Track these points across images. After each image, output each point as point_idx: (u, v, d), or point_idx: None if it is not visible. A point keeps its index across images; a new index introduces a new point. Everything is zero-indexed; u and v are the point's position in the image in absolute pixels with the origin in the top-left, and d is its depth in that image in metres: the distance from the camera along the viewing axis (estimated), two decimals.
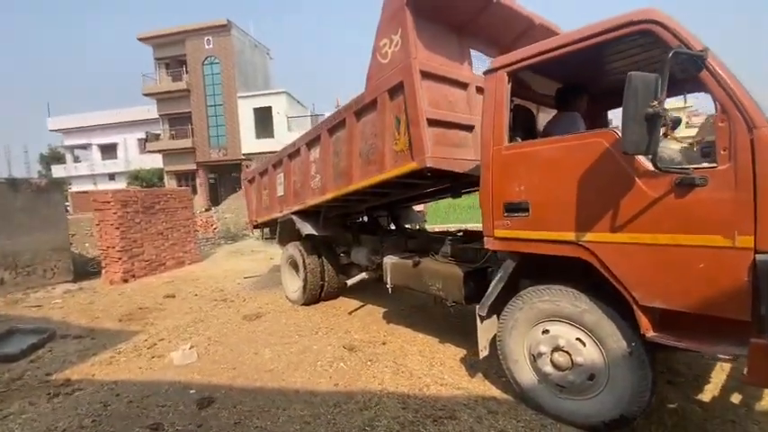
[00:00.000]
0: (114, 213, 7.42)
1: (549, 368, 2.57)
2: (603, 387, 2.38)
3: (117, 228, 7.46)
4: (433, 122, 3.18)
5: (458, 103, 3.49)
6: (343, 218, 5.92)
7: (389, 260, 4.15)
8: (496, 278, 2.86)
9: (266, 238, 6.99)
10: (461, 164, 3.37)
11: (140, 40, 25.40)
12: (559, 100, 3.15)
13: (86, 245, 10.04)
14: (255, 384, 3.32)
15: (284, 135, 23.66)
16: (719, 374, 3.15)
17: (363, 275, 4.89)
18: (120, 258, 7.49)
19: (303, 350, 3.96)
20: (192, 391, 3.25)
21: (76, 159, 33.40)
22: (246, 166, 7.69)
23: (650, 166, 2.01)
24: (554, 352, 2.54)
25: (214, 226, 15.44)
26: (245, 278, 7.52)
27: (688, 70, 1.94)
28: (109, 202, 7.43)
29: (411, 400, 2.94)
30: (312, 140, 4.86)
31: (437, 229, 6.62)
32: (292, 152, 5.39)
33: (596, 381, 2.40)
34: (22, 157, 65.92)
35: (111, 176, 30.85)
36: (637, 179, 2.07)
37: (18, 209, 7.08)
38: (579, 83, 3.16)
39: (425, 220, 7.17)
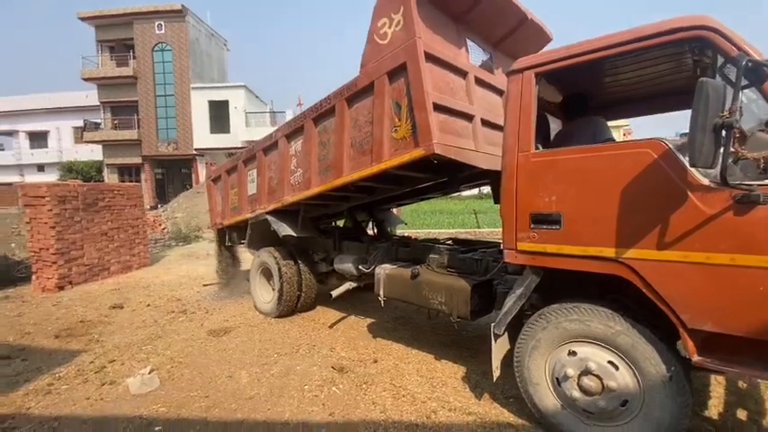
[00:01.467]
0: (50, 210, 6.42)
1: (576, 393, 2.39)
2: (637, 413, 2.23)
3: (52, 227, 6.46)
4: (437, 107, 2.97)
5: (458, 91, 3.32)
6: (321, 220, 5.52)
7: (383, 270, 3.83)
8: (516, 294, 2.65)
9: (228, 246, 6.36)
10: (466, 154, 3.17)
11: (82, 19, 23.00)
12: (576, 105, 3.02)
13: (12, 245, 8.70)
14: (236, 416, 2.86)
15: (242, 131, 22.58)
16: (717, 387, 3.17)
17: (348, 286, 4.52)
18: (55, 262, 6.49)
19: (286, 372, 3.52)
20: (157, 429, 2.72)
21: (0, 147, 29.58)
22: (211, 164, 7.02)
23: (704, 180, 1.89)
24: (582, 375, 2.37)
25: (163, 226, 14.16)
26: (204, 285, 6.82)
27: (749, 79, 1.83)
28: (43, 197, 6.41)
29: (420, 430, 2.64)
30: (293, 132, 4.46)
31: (407, 236, 6.36)
32: (268, 145, 4.92)
33: (629, 407, 2.25)
34: None
35: (41, 167, 27.63)
36: (689, 193, 1.94)
37: None
38: (587, 90, 3.07)
39: (405, 223, 6.91)
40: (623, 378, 2.25)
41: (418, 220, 15.29)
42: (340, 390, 3.18)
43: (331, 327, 4.68)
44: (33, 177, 25.20)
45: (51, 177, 25.30)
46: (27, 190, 6.62)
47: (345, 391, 3.15)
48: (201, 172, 23.22)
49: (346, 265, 4.53)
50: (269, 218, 4.80)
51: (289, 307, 4.89)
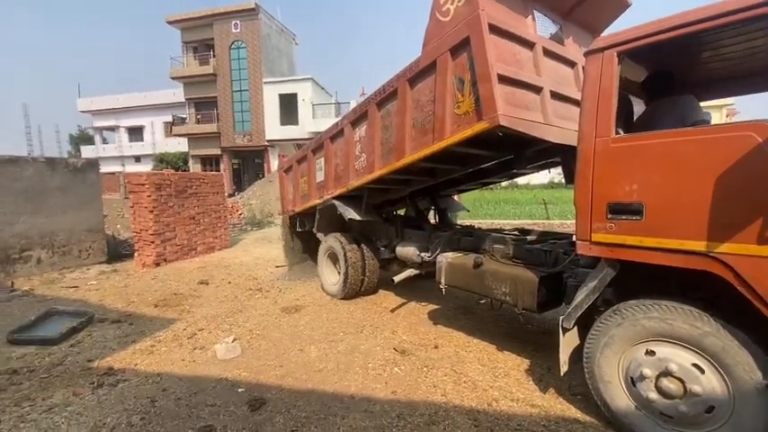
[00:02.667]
0: (148, 196, 7.34)
1: (653, 394, 2.25)
2: (725, 422, 2.05)
3: (151, 211, 7.38)
4: (502, 79, 2.91)
5: (525, 63, 3.21)
6: (384, 207, 5.67)
7: (445, 259, 3.86)
8: (588, 287, 2.53)
9: (298, 231, 6.75)
10: (534, 127, 3.05)
11: (169, 23, 25.45)
12: (661, 84, 2.75)
13: (118, 226, 10.10)
14: (307, 386, 3.11)
15: (309, 122, 23.55)
16: None
17: (410, 272, 4.62)
18: (153, 242, 7.42)
19: (351, 350, 3.73)
20: (240, 390, 3.06)
21: (104, 141, 34.07)
22: (283, 155, 7.44)
23: None
24: (661, 377, 2.22)
25: (239, 212, 15.41)
26: (277, 267, 7.35)
27: None
28: (143, 185, 7.34)
29: (481, 416, 2.67)
30: (357, 118, 4.62)
31: (469, 225, 6.23)
32: (334, 134, 5.14)
33: (716, 414, 2.07)
34: (54, 137, 67.79)
35: (138, 159, 31.39)
36: None
37: (55, 188, 7.06)
38: (674, 67, 2.77)
39: (468, 210, 6.80)
40: (710, 383, 2.07)
41: (481, 210, 14.89)
42: (402, 370, 3.30)
43: (393, 311, 4.82)
44: (132, 167, 28.76)
45: (147, 167, 28.62)
46: (130, 178, 7.62)
47: (407, 372, 3.27)
48: (273, 162, 24.74)
49: (408, 251, 4.62)
50: (335, 203, 5.04)
51: (353, 290, 5.12)
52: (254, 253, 8.92)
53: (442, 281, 3.83)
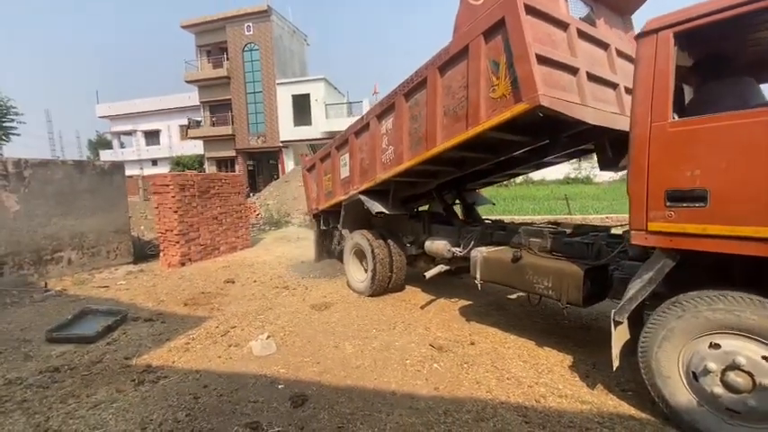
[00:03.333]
0: (173, 197, 7.42)
1: (718, 389, 2.15)
2: None
3: (175, 211, 7.46)
4: (540, 59, 2.86)
5: (560, 44, 3.15)
6: (410, 202, 5.62)
7: (480, 253, 3.78)
8: (643, 279, 2.43)
9: (324, 229, 6.73)
10: (572, 108, 2.98)
11: (183, 27, 25.80)
12: (717, 67, 2.63)
13: (141, 227, 10.26)
14: (346, 382, 3.07)
15: (322, 122, 23.61)
16: None
17: (441, 268, 4.56)
18: (177, 242, 7.50)
19: (386, 346, 3.68)
20: (280, 386, 3.04)
21: (122, 145, 34.77)
22: (305, 155, 7.46)
23: None
24: (728, 371, 2.12)
25: (257, 212, 15.52)
26: (302, 263, 7.37)
27: None
28: (168, 186, 7.42)
29: (531, 412, 2.59)
30: (384, 111, 4.60)
31: (499, 220, 6.09)
32: (359, 128, 5.13)
33: None
34: (75, 142, 69.56)
35: (155, 162, 31.92)
36: None
37: (83, 190, 7.20)
38: (729, 50, 2.64)
39: (493, 203, 6.70)
40: None
41: (498, 207, 14.68)
42: (441, 367, 3.25)
43: (422, 308, 4.77)
44: (149, 170, 29.27)
45: (163, 170, 29.11)
46: (155, 179, 7.72)
47: (447, 369, 3.21)
48: (287, 163, 24.90)
49: (438, 247, 4.56)
50: (362, 197, 5.01)
51: (381, 286, 5.08)
52: (275, 252, 8.96)
53: (478, 276, 3.76)
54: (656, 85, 2.28)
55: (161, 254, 7.80)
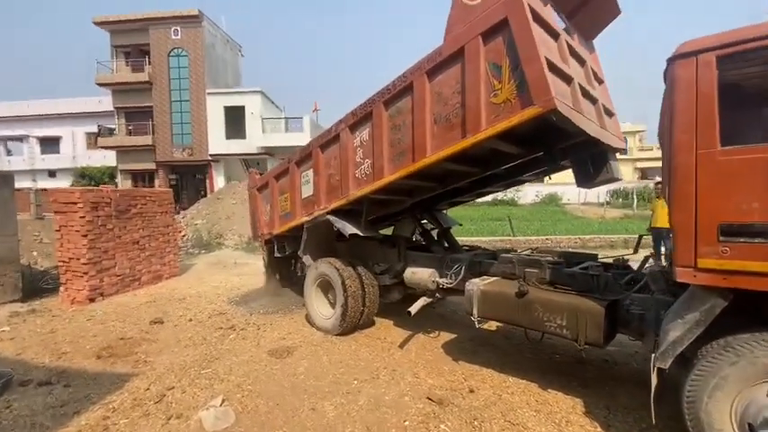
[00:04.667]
0: (82, 217, 6.04)
1: None
2: None
3: (84, 235, 6.07)
4: (547, 63, 2.66)
5: (554, 52, 3.02)
6: (378, 223, 5.14)
7: (476, 287, 3.39)
8: (688, 320, 2.20)
9: (276, 257, 5.91)
10: (577, 117, 2.87)
11: (96, 24, 22.91)
12: (740, 95, 2.59)
13: (34, 253, 8.34)
14: None
15: (258, 137, 22.30)
16: None
17: (425, 300, 4.10)
18: (86, 272, 6.09)
19: (375, 404, 3.07)
20: None
21: (9, 152, 29.40)
22: (256, 172, 6.61)
23: None
24: None
25: (182, 233, 13.78)
26: (247, 294, 6.38)
27: None
28: (75, 203, 6.04)
29: None
30: (358, 121, 4.16)
31: (479, 246, 5.81)
32: (326, 141, 4.59)
33: None
34: None
35: (52, 173, 27.41)
36: None
37: None
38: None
39: (460, 224, 6.44)
40: None
41: None
42: (450, 428, 2.73)
43: (402, 347, 4.23)
44: (45, 183, 24.95)
45: (63, 183, 24.97)
46: (57, 195, 6.24)
47: (458, 430, 2.70)
48: (217, 178, 22.92)
49: (422, 277, 4.10)
50: (330, 218, 4.42)
51: (352, 323, 4.45)
52: (210, 281, 7.78)
53: (475, 312, 3.36)
54: (699, 110, 2.10)
55: (62, 288, 6.28)
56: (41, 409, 3.12)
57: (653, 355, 2.29)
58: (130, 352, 4.28)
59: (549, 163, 3.83)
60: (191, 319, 5.34)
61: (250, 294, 6.50)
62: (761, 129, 2.37)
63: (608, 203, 22.94)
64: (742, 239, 1.99)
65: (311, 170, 4.86)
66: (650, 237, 7.78)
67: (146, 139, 22.94)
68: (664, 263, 3.18)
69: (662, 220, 7.56)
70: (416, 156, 3.52)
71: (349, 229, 4.32)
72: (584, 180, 3.78)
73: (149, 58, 22.77)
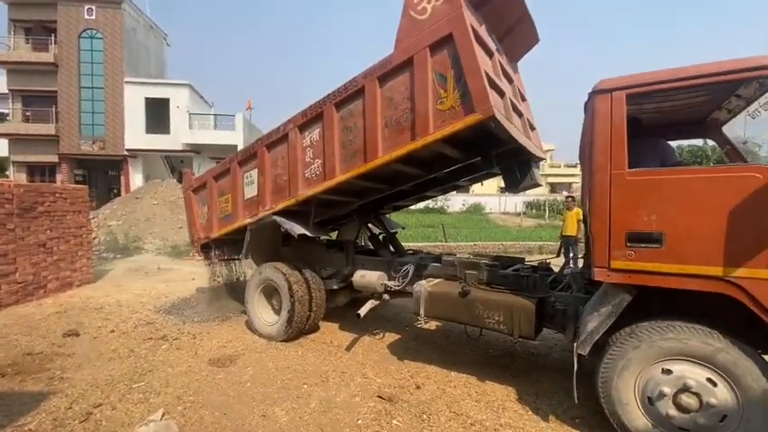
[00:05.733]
0: None
1: (672, 411, 2.39)
2: (736, 427, 2.28)
3: None
4: (486, 76, 3.01)
5: (491, 68, 3.39)
6: (324, 226, 5.17)
7: (422, 288, 3.61)
8: (602, 313, 2.61)
9: (217, 261, 5.63)
10: (509, 126, 3.27)
11: None
12: (635, 127, 3.12)
13: None
14: None
15: (184, 132, 20.77)
16: None
17: (373, 303, 4.21)
18: None
19: (327, 406, 3.11)
20: None
21: None
22: (188, 171, 6.21)
23: None
24: (679, 393, 2.38)
25: (93, 235, 12.30)
26: (178, 302, 5.94)
27: None
28: None
29: None
30: (307, 122, 4.21)
31: (421, 250, 6.06)
32: (274, 140, 4.55)
33: (728, 422, 2.29)
34: None
35: None
36: None
37: None
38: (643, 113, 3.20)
39: (403, 227, 6.67)
40: (722, 394, 2.29)
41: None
42: (402, 423, 2.87)
43: (348, 350, 4.30)
44: None
45: None
46: None
47: (408, 424, 2.85)
48: (134, 176, 20.82)
49: (370, 281, 4.22)
50: (277, 218, 4.37)
51: (298, 329, 4.41)
52: (132, 289, 7.09)
53: (422, 312, 3.56)
54: (613, 137, 2.53)
55: None
56: None
57: (574, 343, 2.67)
58: (42, 368, 3.78)
59: (485, 167, 4.19)
60: (112, 330, 4.85)
61: (180, 302, 6.08)
62: (658, 155, 2.90)
63: (524, 213, 25.26)
64: (643, 245, 2.43)
65: (256, 170, 4.74)
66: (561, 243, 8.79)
67: (47, 128, 20.11)
68: (580, 266, 3.69)
69: (570, 229, 8.61)
70: (369, 156, 3.67)
71: (297, 229, 4.30)
72: (512, 185, 4.19)
73: (56, 36, 20.06)
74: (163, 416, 2.86)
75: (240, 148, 17.76)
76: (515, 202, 27.58)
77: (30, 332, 4.72)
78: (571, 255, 8.25)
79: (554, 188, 39.35)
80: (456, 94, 3.09)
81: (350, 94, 3.81)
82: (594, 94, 2.65)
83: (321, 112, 4.03)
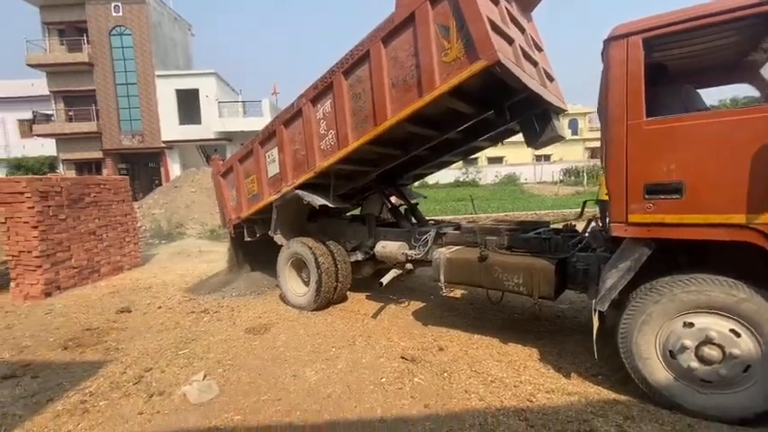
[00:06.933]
0: (31, 208, 5.70)
1: (694, 363, 2.36)
2: (759, 377, 2.22)
3: (35, 227, 5.75)
4: (489, 22, 2.96)
5: (496, 14, 3.29)
6: (346, 199, 5.28)
7: (442, 255, 3.66)
8: (621, 268, 2.56)
9: (251, 239, 5.89)
10: (519, 72, 3.19)
11: None
12: (659, 74, 2.94)
13: None
14: (323, 417, 2.62)
15: (214, 121, 21.39)
16: None
17: (395, 272, 4.33)
18: (39, 266, 5.79)
19: (352, 366, 3.30)
20: None
21: None
22: (217, 158, 6.48)
23: None
24: (701, 346, 2.33)
25: (139, 223, 13.17)
26: (215, 280, 6.33)
27: None
28: (22, 194, 5.68)
29: (529, 414, 2.53)
30: (318, 94, 4.28)
31: (442, 219, 6.07)
32: (289, 117, 4.65)
33: (751, 372, 2.24)
34: None
35: None
36: None
37: None
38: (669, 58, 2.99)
39: (425, 197, 6.68)
40: (746, 344, 2.24)
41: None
42: (423, 380, 3.01)
43: (374, 317, 4.46)
44: None
45: None
46: (1, 185, 5.84)
47: (429, 382, 2.98)
48: (172, 166, 21.86)
49: (392, 251, 4.32)
50: (299, 192, 4.52)
51: (326, 299, 4.62)
52: (175, 270, 7.61)
53: (442, 278, 3.63)
54: (629, 86, 2.41)
55: (12, 283, 5.94)
56: (10, 401, 3.07)
57: (593, 300, 2.65)
58: (99, 341, 4.21)
59: (500, 123, 4.09)
60: (160, 307, 5.28)
61: (218, 279, 6.46)
62: (682, 102, 2.72)
63: (561, 182, 24.29)
64: (662, 196, 2.34)
65: (276, 148, 4.89)
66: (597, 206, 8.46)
67: (90, 126, 21.35)
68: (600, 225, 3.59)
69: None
70: (378, 120, 3.70)
71: (318, 200, 4.44)
72: (532, 139, 4.05)
73: (87, 36, 20.97)
74: (204, 377, 3.14)
75: None
76: (552, 170, 26.58)
77: (87, 310, 5.23)
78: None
79: (593, 153, 37.31)
80: (460, 44, 3.06)
81: (356, 60, 3.83)
82: (609, 41, 2.52)
83: (331, 82, 4.09)
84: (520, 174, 26.75)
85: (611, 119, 2.47)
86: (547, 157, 31.75)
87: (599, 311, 2.61)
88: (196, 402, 2.85)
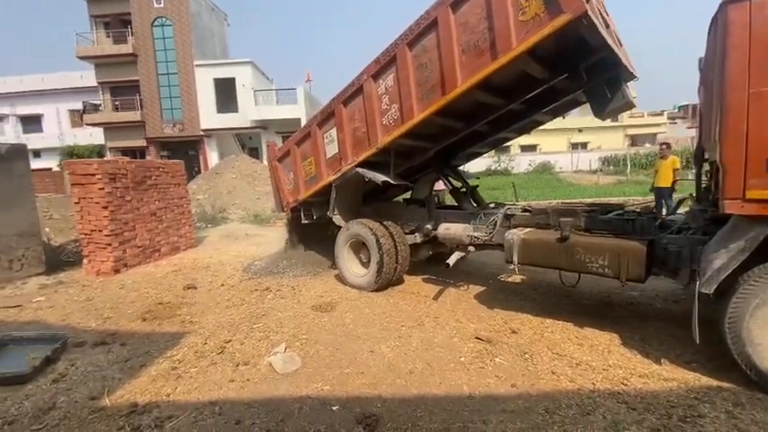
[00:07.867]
0: (101, 189, 6.01)
1: None
2: None
3: (105, 207, 6.06)
4: None
5: None
6: (404, 178, 5.26)
7: (516, 236, 3.58)
8: (731, 249, 2.41)
9: (307, 222, 5.98)
10: (601, 28, 3.06)
11: None
12: None
13: (46, 229, 8.27)
14: (411, 392, 2.64)
15: (251, 110, 21.81)
16: None
17: (459, 254, 4.29)
18: (109, 244, 6.12)
19: (427, 345, 3.30)
20: (334, 408, 2.49)
21: None
22: (272, 143, 6.57)
23: None
24: None
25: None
26: (270, 261, 6.48)
27: None
28: (94, 175, 5.99)
29: (627, 398, 2.45)
30: (380, 69, 4.25)
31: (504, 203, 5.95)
32: (349, 95, 4.65)
33: None
34: None
35: (37, 153, 26.52)
36: None
37: None
38: None
39: (478, 177, 6.59)
40: None
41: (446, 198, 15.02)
42: (505, 360, 2.97)
43: (436, 299, 4.45)
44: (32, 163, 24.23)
45: (50, 163, 24.38)
46: (75, 167, 6.17)
47: (511, 362, 2.95)
48: (210, 154, 22.53)
49: (456, 233, 4.27)
50: (360, 170, 4.54)
51: (387, 279, 4.64)
52: (228, 251, 7.87)
53: (515, 259, 3.55)
54: (753, 52, 2.23)
55: (85, 260, 6.31)
56: (106, 365, 3.26)
57: (697, 282, 2.51)
58: (173, 314, 4.42)
59: (572, 88, 3.96)
60: (222, 284, 5.48)
61: (272, 260, 6.61)
62: None
63: (600, 170, 23.29)
64: None
65: (334, 128, 4.90)
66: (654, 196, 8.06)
67: (134, 115, 22.27)
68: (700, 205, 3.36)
69: (664, 180, 7.85)
70: (447, 88, 3.66)
71: (380, 177, 4.45)
72: (600, 107, 3.85)
73: (131, 28, 21.73)
74: (285, 349, 3.24)
75: (303, 120, 18.39)
76: (590, 158, 25.48)
77: (155, 286, 5.50)
78: (664, 209, 7.57)
79: (634, 141, 35.42)
80: (539, 1, 2.97)
81: (422, 29, 3.79)
82: (726, 4, 2.32)
83: (394, 55, 4.06)
84: (555, 162, 25.78)
85: (729, 87, 2.30)
86: (584, 145, 30.51)
87: (703, 294, 2.47)
88: (283, 372, 2.94)
